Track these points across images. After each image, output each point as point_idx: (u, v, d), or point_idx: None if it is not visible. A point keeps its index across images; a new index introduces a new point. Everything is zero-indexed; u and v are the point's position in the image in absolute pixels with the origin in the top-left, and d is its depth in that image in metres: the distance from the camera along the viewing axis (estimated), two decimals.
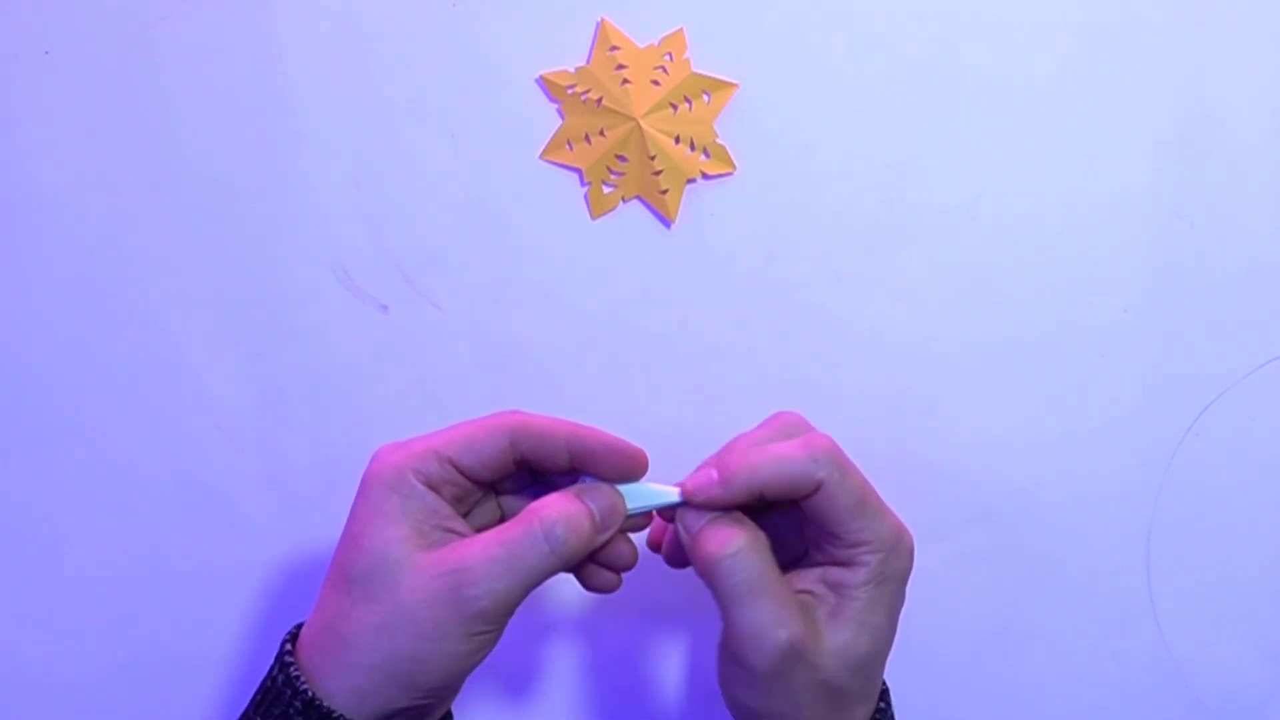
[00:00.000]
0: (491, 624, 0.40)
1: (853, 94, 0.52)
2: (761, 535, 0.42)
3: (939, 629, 0.53)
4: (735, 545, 0.40)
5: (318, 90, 0.52)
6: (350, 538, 0.41)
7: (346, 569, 0.41)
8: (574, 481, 0.44)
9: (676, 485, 0.43)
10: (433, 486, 0.41)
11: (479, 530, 0.42)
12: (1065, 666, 0.53)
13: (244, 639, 0.53)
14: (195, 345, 0.53)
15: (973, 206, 0.52)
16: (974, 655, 0.53)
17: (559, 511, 0.41)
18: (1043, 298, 0.52)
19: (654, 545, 0.47)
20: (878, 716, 0.43)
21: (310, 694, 0.40)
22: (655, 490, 0.43)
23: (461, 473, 0.42)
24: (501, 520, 0.45)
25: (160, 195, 0.52)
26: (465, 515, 0.43)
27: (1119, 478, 0.53)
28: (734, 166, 0.52)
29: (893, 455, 0.53)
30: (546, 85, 0.52)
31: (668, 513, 0.44)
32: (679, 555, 0.45)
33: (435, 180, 0.52)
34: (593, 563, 0.44)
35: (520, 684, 0.54)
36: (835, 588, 0.42)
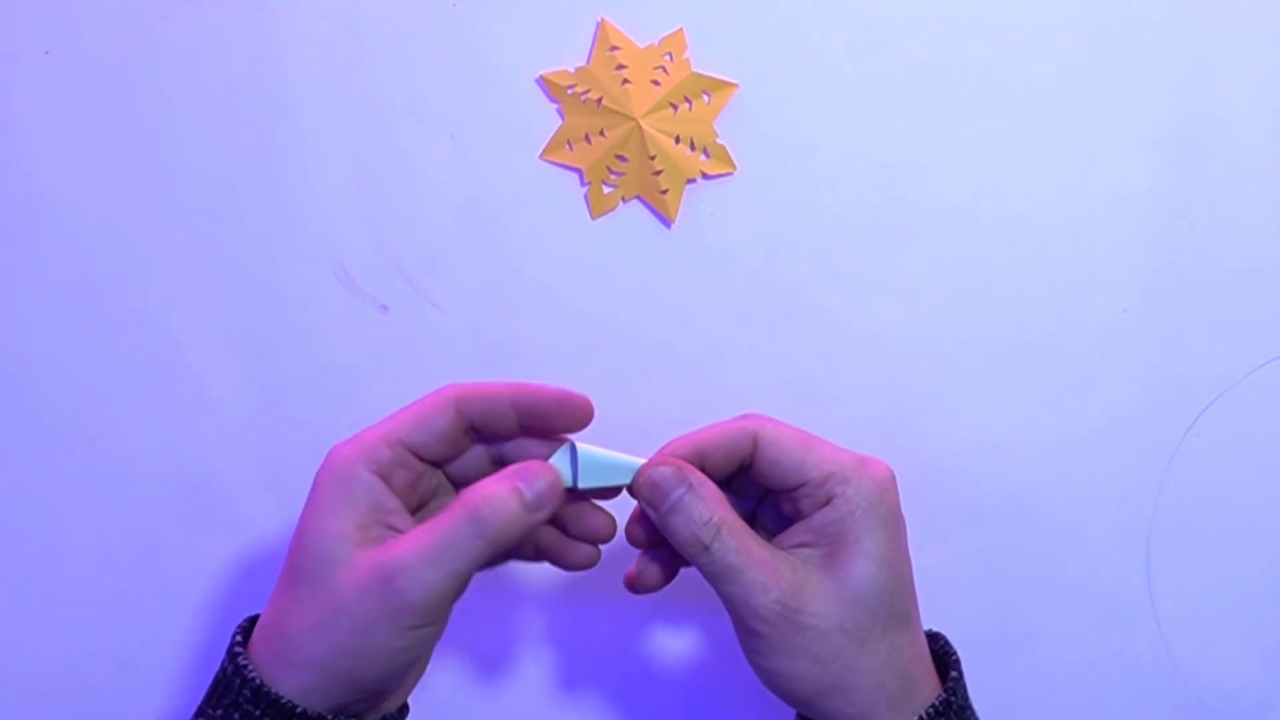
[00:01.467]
0: (424, 617, 0.40)
1: (853, 94, 0.52)
2: (725, 502, 0.42)
3: (939, 628, 0.53)
4: (712, 526, 0.41)
5: (318, 90, 0.52)
6: (296, 533, 0.41)
7: (292, 565, 0.41)
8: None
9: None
10: (384, 474, 0.41)
11: None
12: (1065, 666, 0.53)
13: None
14: (195, 345, 0.53)
15: (973, 206, 0.52)
16: (974, 655, 0.53)
17: (483, 494, 0.40)
18: (1043, 298, 0.52)
19: (630, 539, 0.46)
20: (950, 685, 0.43)
21: (258, 681, 0.40)
22: (613, 461, 0.43)
23: (413, 453, 0.42)
24: (407, 470, 0.44)
25: (160, 195, 0.52)
26: (423, 505, 0.44)
27: (1119, 478, 0.53)
28: (734, 166, 0.52)
29: (892, 455, 0.52)
30: (546, 85, 0.52)
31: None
32: (642, 536, 0.45)
33: (435, 180, 0.52)
34: (567, 536, 0.45)
35: (519, 684, 0.54)
36: (823, 531, 0.42)
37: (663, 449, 0.44)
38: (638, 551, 0.46)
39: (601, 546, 0.45)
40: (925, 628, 0.45)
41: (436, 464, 0.44)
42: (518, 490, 0.41)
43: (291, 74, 0.52)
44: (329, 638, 0.39)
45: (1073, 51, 0.51)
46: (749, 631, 0.41)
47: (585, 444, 0.43)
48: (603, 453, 0.43)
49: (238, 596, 0.53)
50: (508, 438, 0.44)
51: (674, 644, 0.54)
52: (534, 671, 0.54)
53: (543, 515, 0.42)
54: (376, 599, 0.39)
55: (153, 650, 0.54)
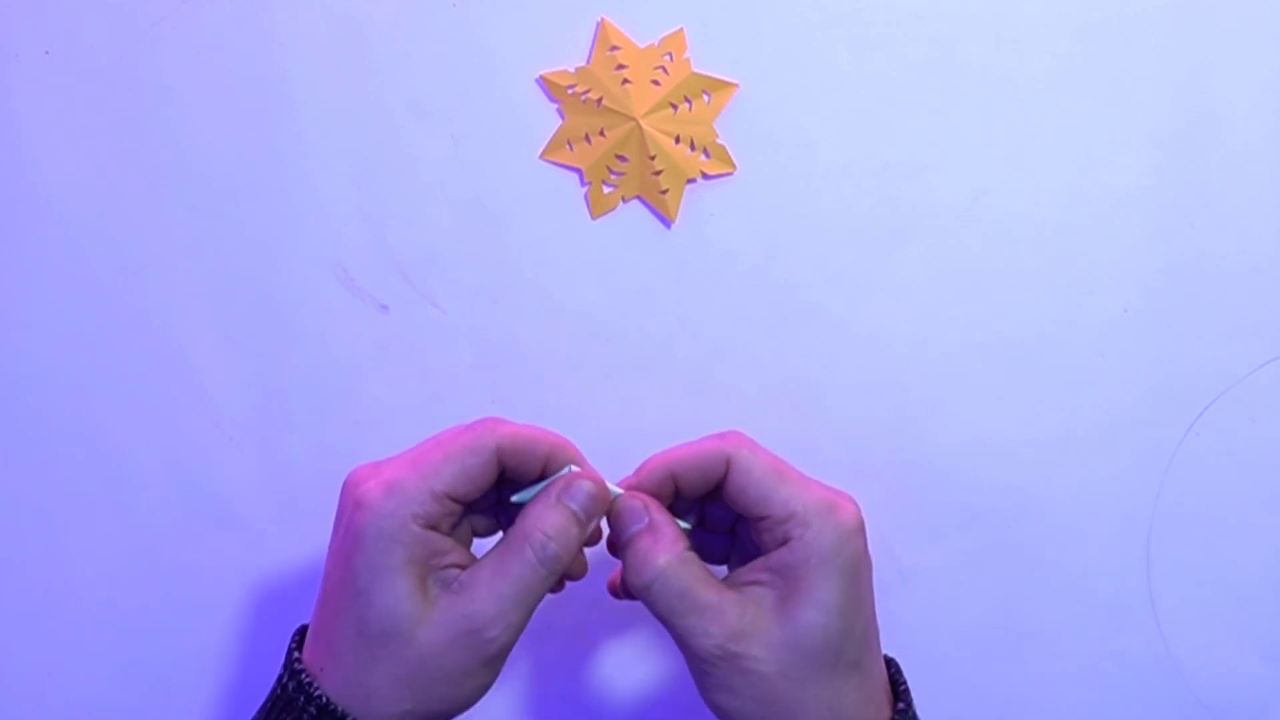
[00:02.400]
0: (509, 650, 0.42)
1: (853, 94, 0.52)
2: (683, 545, 0.43)
3: (939, 629, 0.53)
4: (653, 570, 0.42)
5: (318, 90, 0.52)
6: (356, 591, 0.41)
7: (359, 625, 0.41)
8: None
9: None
10: (432, 525, 0.41)
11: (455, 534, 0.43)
12: (1065, 666, 0.53)
13: (244, 639, 0.53)
14: (195, 345, 0.53)
15: (972, 206, 0.52)
16: (974, 655, 0.53)
17: (546, 528, 0.42)
18: (1042, 298, 0.52)
19: (611, 591, 0.47)
20: (896, 717, 0.43)
21: (325, 699, 0.40)
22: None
23: (455, 501, 0.42)
24: (462, 524, 0.45)
25: (161, 195, 0.52)
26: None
27: (1119, 478, 0.53)
28: (734, 166, 0.52)
29: (893, 455, 0.53)
30: (546, 85, 0.52)
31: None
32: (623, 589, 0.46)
33: (435, 180, 0.52)
34: None
35: (518, 684, 0.54)
36: (780, 572, 0.42)
37: (639, 467, 0.44)
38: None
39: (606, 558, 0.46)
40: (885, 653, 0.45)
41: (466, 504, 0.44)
42: (570, 511, 0.42)
43: (291, 74, 0.52)
44: (422, 691, 0.41)
45: (1072, 51, 0.51)
46: (693, 668, 0.42)
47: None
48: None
49: (237, 595, 0.53)
50: (528, 482, 0.44)
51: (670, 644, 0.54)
52: (533, 672, 0.54)
53: (593, 526, 0.43)
54: (466, 650, 0.41)
55: (152, 650, 0.54)
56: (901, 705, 0.43)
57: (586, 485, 0.43)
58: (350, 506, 0.42)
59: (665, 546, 0.42)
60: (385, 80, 0.52)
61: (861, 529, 0.43)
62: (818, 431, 0.52)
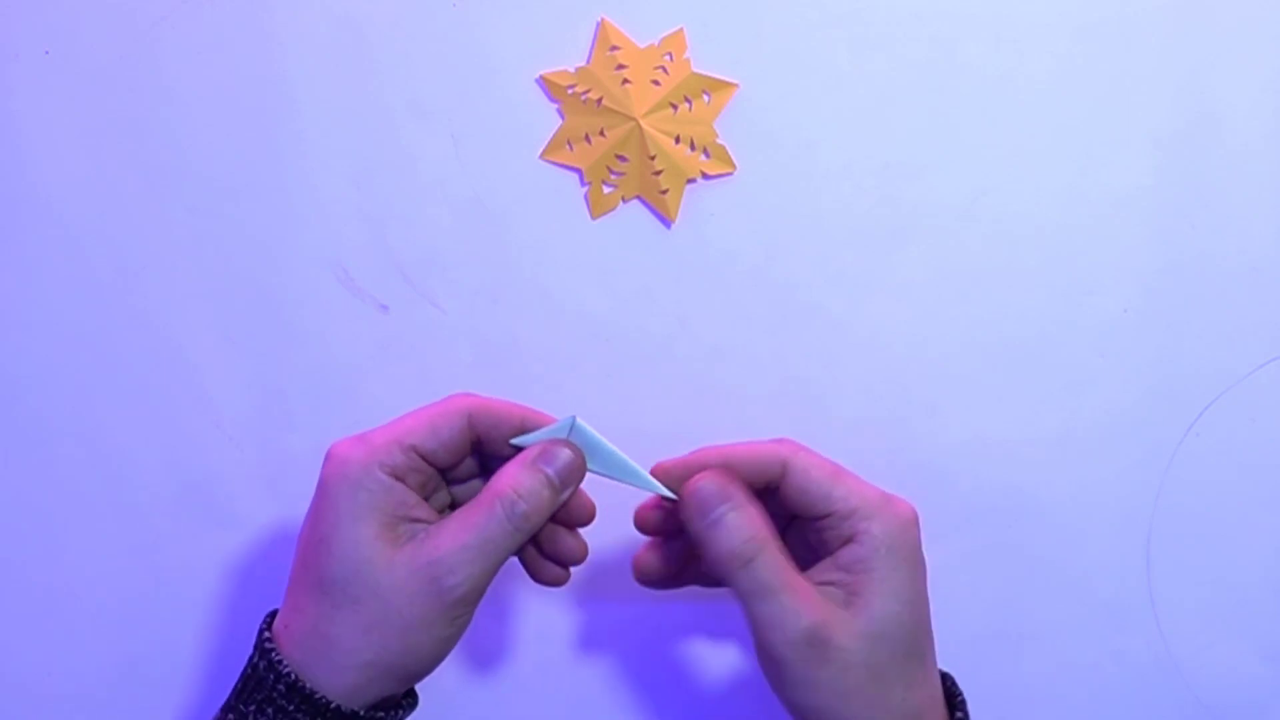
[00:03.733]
0: (470, 605, 0.42)
1: (853, 94, 0.52)
2: (768, 524, 0.42)
3: (939, 629, 0.53)
4: (757, 543, 0.41)
5: (318, 90, 0.52)
6: (318, 540, 0.41)
7: (320, 572, 0.41)
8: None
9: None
10: (398, 477, 0.42)
11: (439, 512, 0.44)
12: (1065, 666, 0.53)
13: (244, 639, 0.53)
14: (195, 345, 0.53)
15: (972, 206, 0.52)
16: (974, 655, 0.53)
17: (517, 486, 0.42)
18: (1042, 298, 0.52)
19: (640, 525, 0.46)
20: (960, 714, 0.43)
21: (293, 676, 0.40)
22: (613, 454, 0.44)
23: (424, 459, 0.42)
24: (451, 502, 0.46)
25: (161, 195, 0.52)
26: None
27: (1119, 478, 0.53)
28: (734, 166, 0.52)
29: (893, 455, 0.53)
30: (546, 85, 0.52)
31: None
32: (652, 524, 0.46)
33: (435, 180, 0.52)
34: (542, 556, 0.45)
35: (519, 683, 0.54)
36: (849, 568, 0.42)
37: (694, 454, 0.44)
38: (634, 553, 0.46)
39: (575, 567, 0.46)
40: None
41: (440, 470, 0.44)
42: (545, 475, 0.42)
43: (292, 74, 0.52)
44: (380, 639, 0.40)
45: (1072, 51, 0.51)
46: (773, 659, 0.41)
47: (585, 423, 0.44)
48: (602, 440, 0.44)
49: (238, 595, 0.53)
50: (504, 457, 0.44)
51: (671, 644, 0.54)
52: (533, 670, 0.54)
53: (568, 495, 0.43)
54: (427, 597, 0.40)
55: (153, 649, 0.54)
56: (960, 715, 0.43)
57: (565, 453, 0.43)
58: (323, 465, 0.42)
59: (764, 525, 0.42)
60: (385, 80, 0.52)
61: (918, 523, 0.43)
62: (818, 431, 0.52)
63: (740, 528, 0.42)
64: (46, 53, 0.52)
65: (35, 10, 0.52)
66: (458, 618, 0.41)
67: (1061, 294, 0.52)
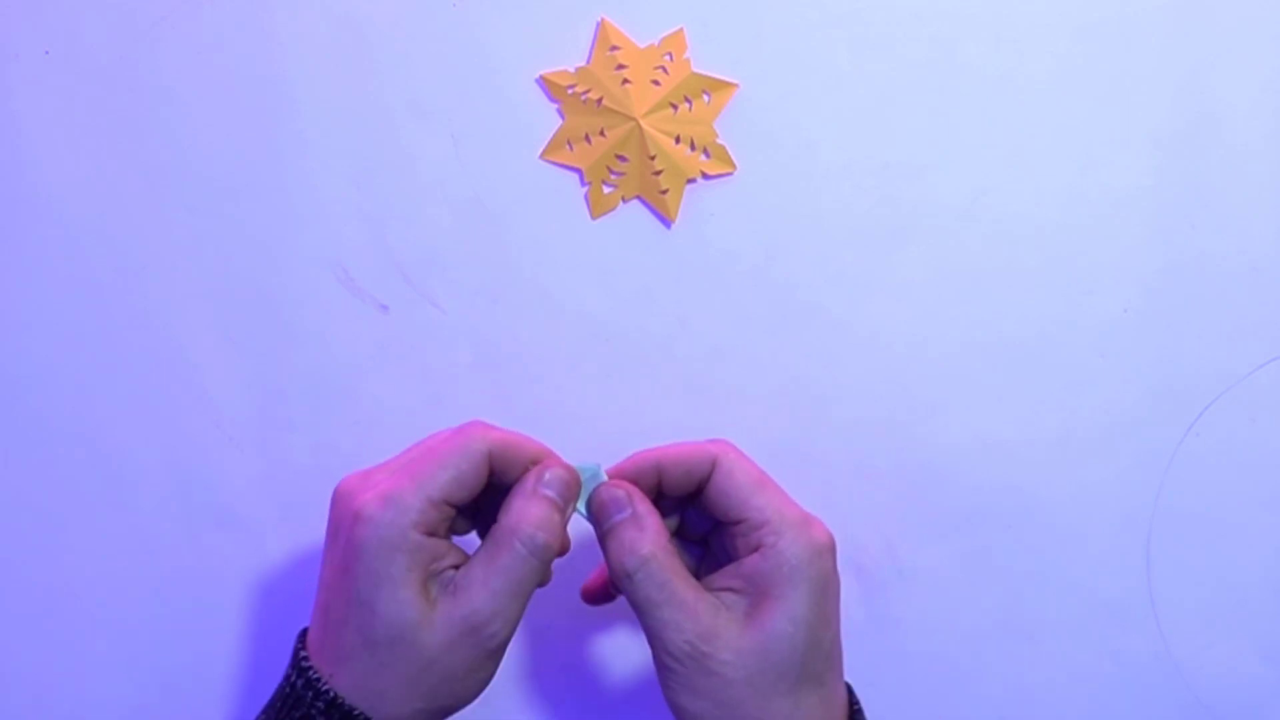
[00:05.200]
0: (507, 643, 0.43)
1: (853, 94, 0.52)
2: (666, 538, 0.43)
3: (939, 629, 0.53)
4: (639, 557, 0.42)
5: (318, 90, 0.52)
6: (360, 601, 0.41)
7: (366, 633, 0.41)
8: None
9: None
10: (431, 532, 0.42)
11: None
12: (1065, 666, 0.53)
13: (244, 638, 0.53)
14: (195, 345, 0.53)
15: (972, 206, 0.52)
16: (974, 655, 0.53)
17: (534, 520, 0.42)
18: (1042, 298, 0.52)
19: (586, 595, 0.49)
20: None
21: (332, 694, 0.41)
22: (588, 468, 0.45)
23: (450, 506, 0.43)
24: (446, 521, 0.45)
25: (160, 195, 0.52)
26: None
27: (1119, 478, 0.53)
28: (734, 166, 0.52)
29: (893, 455, 0.53)
30: (546, 85, 0.52)
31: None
32: (598, 594, 0.48)
33: (435, 180, 0.52)
34: None
35: (517, 683, 0.54)
36: (749, 579, 0.43)
37: (630, 458, 0.45)
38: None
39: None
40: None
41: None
42: (550, 499, 0.43)
43: (292, 74, 0.52)
44: (428, 689, 0.42)
45: (1072, 51, 0.51)
46: (660, 664, 0.42)
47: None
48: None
49: (237, 596, 0.53)
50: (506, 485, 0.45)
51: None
52: (532, 671, 0.54)
53: (570, 511, 0.44)
54: (469, 648, 0.41)
55: (152, 649, 0.54)
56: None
57: (560, 472, 0.44)
58: (348, 519, 0.42)
59: (650, 536, 0.43)
60: (385, 80, 0.52)
61: (833, 550, 0.43)
62: (817, 431, 0.52)
63: (629, 539, 0.43)
64: (46, 53, 0.52)
65: (35, 10, 0.52)
66: (496, 655, 0.43)
67: (1061, 294, 0.52)
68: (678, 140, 0.51)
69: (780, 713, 0.42)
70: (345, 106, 0.52)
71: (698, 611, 0.42)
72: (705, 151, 0.52)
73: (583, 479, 0.44)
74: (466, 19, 0.51)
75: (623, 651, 0.54)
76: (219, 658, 0.54)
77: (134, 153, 0.52)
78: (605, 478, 0.45)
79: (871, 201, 0.52)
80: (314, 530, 0.53)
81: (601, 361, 0.53)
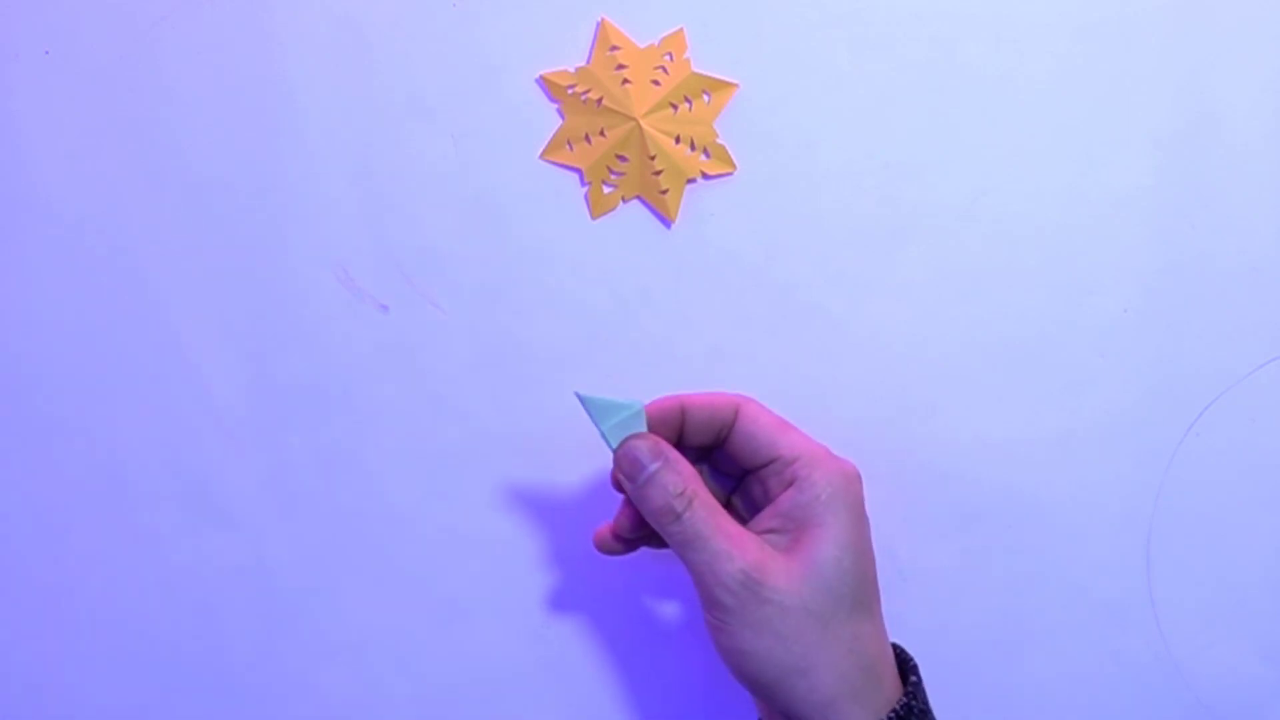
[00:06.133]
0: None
1: (853, 94, 0.52)
2: (698, 478, 0.44)
3: (939, 628, 0.53)
4: (685, 496, 0.43)
5: (318, 90, 0.52)
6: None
7: None
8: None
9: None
10: None
11: None
12: (1065, 666, 0.53)
13: (243, 638, 0.53)
14: (195, 344, 0.53)
15: (972, 206, 0.52)
16: (974, 655, 0.53)
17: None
18: (1042, 298, 0.52)
19: (600, 543, 0.48)
20: (910, 688, 0.44)
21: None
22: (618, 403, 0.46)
23: None
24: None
25: (160, 195, 0.52)
26: None
27: (1119, 478, 0.53)
28: (734, 166, 0.52)
29: (893, 455, 0.53)
30: (546, 85, 0.52)
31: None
32: (612, 542, 0.48)
33: (435, 180, 0.52)
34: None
35: (518, 682, 0.54)
36: (789, 514, 0.43)
37: (656, 402, 0.46)
38: (633, 553, 0.47)
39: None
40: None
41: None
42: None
43: (292, 74, 0.52)
44: None
45: (1072, 51, 0.51)
46: (713, 602, 0.42)
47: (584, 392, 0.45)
48: (603, 398, 0.45)
49: (237, 596, 0.53)
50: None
51: (669, 645, 0.54)
52: (533, 671, 0.54)
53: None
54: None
55: (152, 650, 0.54)
56: (914, 679, 0.44)
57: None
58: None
59: (689, 478, 0.44)
60: (385, 80, 0.52)
61: (860, 481, 0.45)
62: (817, 431, 0.52)
63: (670, 483, 0.43)
64: (46, 53, 0.52)
65: (35, 10, 0.52)
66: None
67: (1061, 294, 0.52)
68: (678, 140, 0.51)
69: (841, 641, 0.42)
70: (345, 106, 0.52)
71: (746, 543, 0.42)
72: (705, 151, 0.52)
73: (621, 416, 0.45)
74: (466, 19, 0.51)
75: (624, 652, 0.54)
76: (218, 657, 0.54)
77: (134, 153, 0.52)
78: (643, 415, 0.45)
79: (871, 201, 0.52)
80: (314, 530, 0.53)
81: (601, 361, 0.53)
